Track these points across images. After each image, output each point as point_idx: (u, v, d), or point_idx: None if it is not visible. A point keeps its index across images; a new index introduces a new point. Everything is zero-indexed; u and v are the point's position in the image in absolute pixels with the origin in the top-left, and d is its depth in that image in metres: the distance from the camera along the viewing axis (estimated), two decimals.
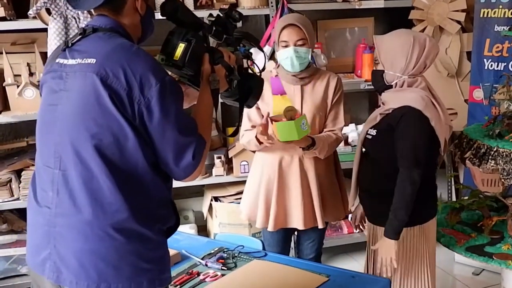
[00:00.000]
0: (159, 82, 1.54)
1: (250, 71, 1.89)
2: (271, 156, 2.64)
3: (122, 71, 1.53)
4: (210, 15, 1.82)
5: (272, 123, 2.42)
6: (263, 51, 2.05)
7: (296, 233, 2.87)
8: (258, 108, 2.63)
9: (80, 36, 1.64)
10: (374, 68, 2.43)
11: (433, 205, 2.43)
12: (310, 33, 2.56)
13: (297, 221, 2.64)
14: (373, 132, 2.36)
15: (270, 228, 2.64)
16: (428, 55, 2.27)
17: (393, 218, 2.24)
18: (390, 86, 2.33)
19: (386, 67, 2.32)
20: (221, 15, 1.81)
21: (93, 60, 1.55)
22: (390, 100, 2.33)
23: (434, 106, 2.27)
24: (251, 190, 2.75)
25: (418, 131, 2.23)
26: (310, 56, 2.57)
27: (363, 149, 2.48)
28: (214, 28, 1.78)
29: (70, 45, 1.64)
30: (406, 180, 2.22)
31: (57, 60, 1.65)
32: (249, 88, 1.83)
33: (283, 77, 2.62)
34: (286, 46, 2.53)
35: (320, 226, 2.65)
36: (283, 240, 2.78)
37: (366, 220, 2.54)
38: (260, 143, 2.52)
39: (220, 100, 1.87)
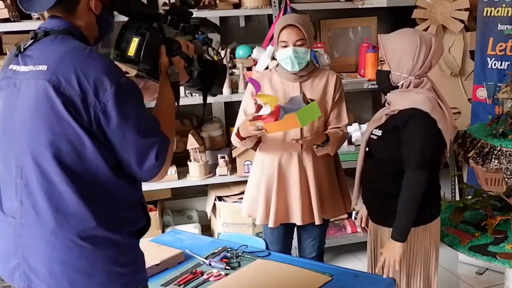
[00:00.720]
0: (114, 85, 1.47)
1: (209, 58, 1.82)
2: (271, 154, 2.66)
3: (75, 77, 1.46)
4: (165, 3, 1.76)
5: (275, 120, 2.38)
6: (220, 34, 1.97)
7: (296, 230, 2.88)
8: (255, 103, 2.64)
9: (32, 41, 1.56)
10: (379, 68, 2.41)
11: (437, 205, 2.42)
12: (309, 33, 2.57)
13: (296, 217, 2.66)
14: (379, 132, 2.35)
15: (271, 224, 2.66)
16: (434, 55, 2.26)
17: (400, 220, 2.23)
18: (396, 87, 2.31)
19: (392, 68, 2.29)
20: (176, 3, 1.75)
21: (44, 67, 1.49)
22: (397, 101, 2.31)
23: (440, 107, 2.26)
24: (252, 187, 2.77)
25: (426, 133, 2.22)
26: (309, 56, 2.59)
27: (367, 149, 2.47)
28: (169, 17, 1.72)
29: (22, 50, 1.56)
30: (412, 182, 2.22)
31: (10, 67, 1.58)
32: (211, 77, 1.77)
33: (282, 75, 2.63)
34: (285, 46, 2.54)
35: (317, 222, 2.66)
36: (283, 237, 2.79)
37: (369, 220, 2.54)
38: (242, 139, 2.53)
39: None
